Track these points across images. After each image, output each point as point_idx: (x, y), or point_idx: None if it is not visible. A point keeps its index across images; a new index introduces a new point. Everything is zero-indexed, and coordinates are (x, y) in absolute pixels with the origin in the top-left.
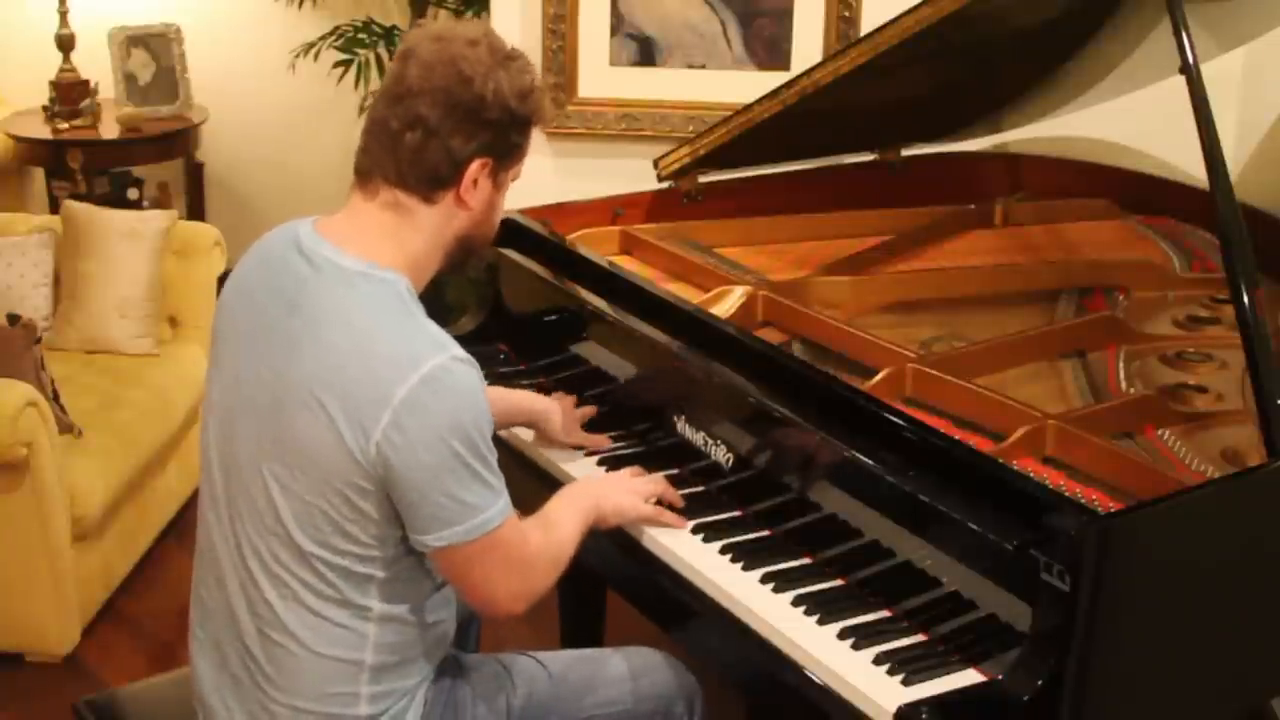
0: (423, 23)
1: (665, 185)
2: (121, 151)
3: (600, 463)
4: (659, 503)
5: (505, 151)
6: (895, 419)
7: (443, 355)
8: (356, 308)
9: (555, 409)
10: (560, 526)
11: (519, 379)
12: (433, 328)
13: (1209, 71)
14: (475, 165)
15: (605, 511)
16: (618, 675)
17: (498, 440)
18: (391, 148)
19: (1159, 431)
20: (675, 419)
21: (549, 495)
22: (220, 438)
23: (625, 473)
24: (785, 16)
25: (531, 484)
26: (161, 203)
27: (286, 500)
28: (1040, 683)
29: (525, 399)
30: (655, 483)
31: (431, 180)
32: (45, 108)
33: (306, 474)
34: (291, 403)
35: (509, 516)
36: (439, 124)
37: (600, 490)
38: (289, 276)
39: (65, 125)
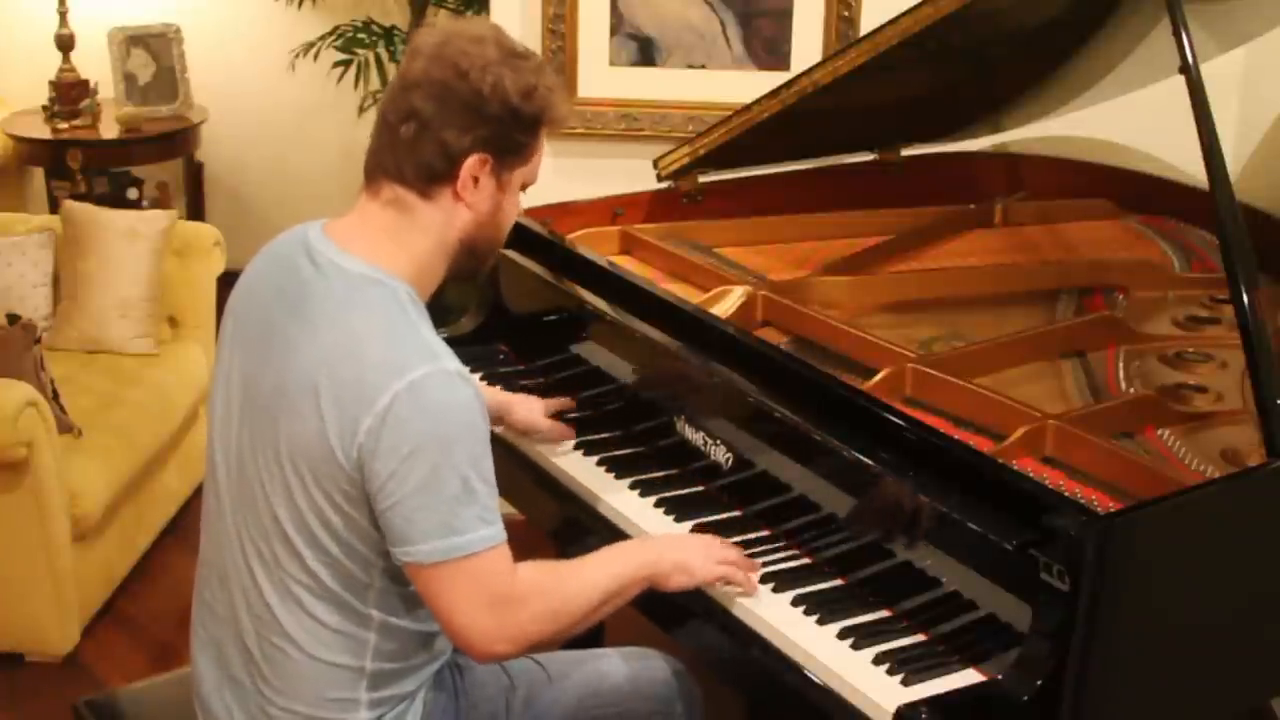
0: (432, 20)
1: (665, 185)
2: (121, 151)
3: (600, 463)
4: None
5: (507, 149)
6: (895, 419)
7: (432, 365)
8: (356, 311)
9: (514, 400)
10: (586, 574)
11: (519, 379)
12: (429, 336)
13: (1209, 71)
14: (473, 161)
15: (665, 569)
16: (618, 675)
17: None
18: (390, 142)
19: (1159, 431)
20: (675, 419)
21: (551, 497)
22: (223, 438)
23: (702, 537)
24: (785, 16)
25: (533, 486)
26: (161, 203)
27: (284, 502)
28: (1040, 683)
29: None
30: (731, 549)
31: (427, 174)
32: (45, 108)
33: (300, 476)
34: (288, 404)
35: (493, 546)
36: (433, 116)
37: (665, 546)
38: (293, 278)
39: (65, 125)
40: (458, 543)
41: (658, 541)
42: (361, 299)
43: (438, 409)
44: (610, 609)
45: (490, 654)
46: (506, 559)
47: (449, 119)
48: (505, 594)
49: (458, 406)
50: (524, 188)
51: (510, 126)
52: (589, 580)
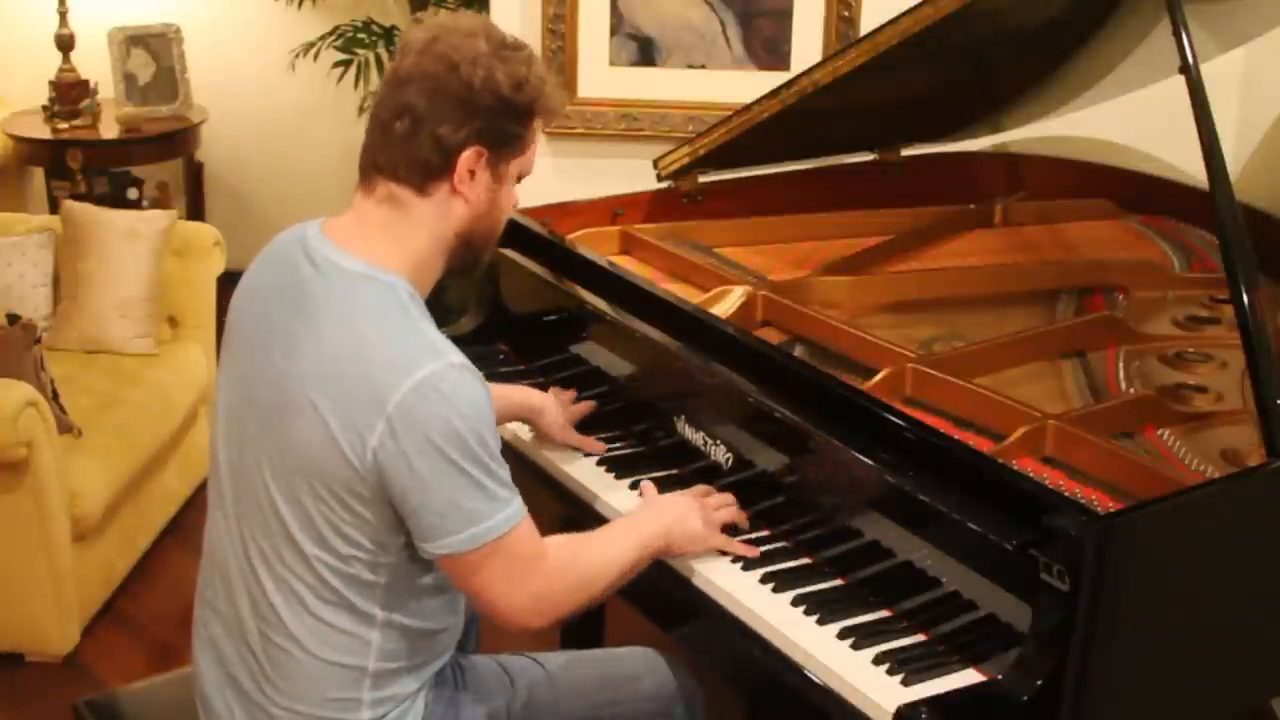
0: (423, 17)
1: (665, 185)
2: (121, 151)
3: (600, 463)
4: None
5: (502, 141)
6: (895, 419)
7: (438, 362)
8: (356, 310)
9: (551, 405)
10: (605, 547)
11: (519, 379)
12: (432, 333)
13: (1209, 71)
14: (469, 154)
15: (676, 538)
16: (617, 675)
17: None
18: (384, 139)
19: (1159, 431)
20: (675, 419)
21: (552, 497)
22: (227, 439)
23: (698, 493)
24: (785, 16)
25: (534, 486)
26: (161, 203)
27: (289, 503)
28: (1040, 683)
29: (519, 394)
30: (729, 508)
31: (422, 170)
32: (45, 108)
33: (306, 477)
34: (290, 405)
35: (517, 525)
36: (426, 111)
37: (673, 517)
38: (293, 278)
39: (65, 125)
40: (489, 526)
41: (663, 514)
42: (362, 297)
43: (449, 404)
44: (627, 580)
45: (527, 626)
46: (531, 528)
47: (442, 114)
48: (533, 568)
49: (467, 398)
50: (519, 179)
51: (503, 118)
52: (612, 554)
